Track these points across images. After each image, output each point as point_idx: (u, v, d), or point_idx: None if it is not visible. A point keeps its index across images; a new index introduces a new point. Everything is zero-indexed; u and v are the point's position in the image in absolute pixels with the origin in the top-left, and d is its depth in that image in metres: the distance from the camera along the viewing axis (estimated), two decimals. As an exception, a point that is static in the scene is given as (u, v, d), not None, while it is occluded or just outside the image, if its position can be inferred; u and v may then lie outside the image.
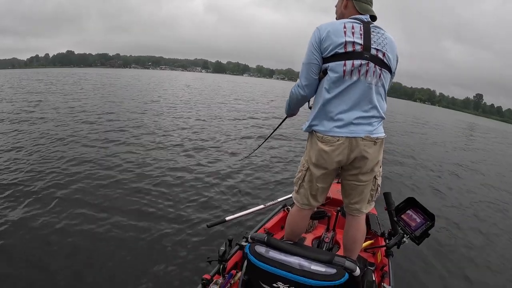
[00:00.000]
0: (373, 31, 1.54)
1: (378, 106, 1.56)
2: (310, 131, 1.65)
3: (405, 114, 28.03)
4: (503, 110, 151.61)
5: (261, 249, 1.43)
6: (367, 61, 1.50)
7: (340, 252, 2.21)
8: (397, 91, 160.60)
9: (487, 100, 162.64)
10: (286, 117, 2.18)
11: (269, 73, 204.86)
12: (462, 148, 11.76)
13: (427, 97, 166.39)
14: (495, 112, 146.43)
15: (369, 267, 1.88)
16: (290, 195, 2.80)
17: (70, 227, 2.98)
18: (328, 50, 1.52)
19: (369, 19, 1.60)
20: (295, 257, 1.39)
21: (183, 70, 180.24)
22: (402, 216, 2.01)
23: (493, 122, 68.37)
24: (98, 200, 3.58)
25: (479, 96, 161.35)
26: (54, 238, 2.80)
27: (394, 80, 1.77)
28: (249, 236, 1.58)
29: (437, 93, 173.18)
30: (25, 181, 3.96)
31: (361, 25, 1.54)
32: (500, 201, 5.41)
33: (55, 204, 3.42)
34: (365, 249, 2.27)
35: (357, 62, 1.49)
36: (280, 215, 2.56)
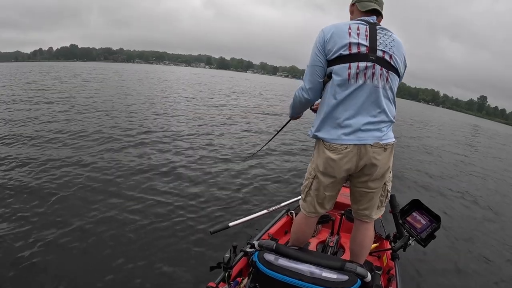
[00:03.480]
0: (379, 32, 1.50)
1: (387, 110, 1.51)
2: (317, 138, 1.61)
3: (411, 114, 27.88)
4: (507, 112, 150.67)
5: (270, 257, 1.40)
6: (373, 63, 1.45)
7: (346, 256, 2.20)
8: (401, 91, 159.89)
9: (490, 102, 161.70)
10: (289, 120, 2.16)
11: (272, 70, 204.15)
12: (467, 149, 11.70)
13: (431, 97, 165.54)
14: (498, 115, 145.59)
15: (377, 271, 1.86)
16: (294, 200, 2.82)
17: (67, 229, 2.95)
18: (332, 52, 1.48)
19: (375, 21, 1.56)
20: (306, 264, 1.36)
21: (186, 66, 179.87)
22: (407, 218, 2.00)
23: (497, 125, 67.96)
24: (93, 203, 3.53)
25: (483, 98, 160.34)
26: (55, 239, 2.80)
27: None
28: (257, 244, 1.54)
29: (441, 94, 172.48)
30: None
31: (367, 26, 1.50)
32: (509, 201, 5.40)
33: (52, 205, 3.41)
34: (371, 253, 2.24)
35: (362, 64, 1.44)
36: (284, 220, 2.54)
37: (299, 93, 1.65)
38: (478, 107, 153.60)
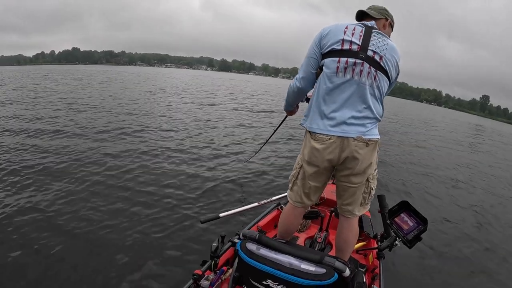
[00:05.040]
0: (374, 35, 1.57)
1: (373, 107, 1.57)
2: (306, 127, 1.69)
3: (411, 114, 27.80)
4: (510, 111, 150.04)
5: (252, 246, 1.43)
6: (362, 61, 1.53)
7: (332, 252, 2.22)
8: (403, 91, 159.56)
9: (492, 101, 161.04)
10: (286, 117, 2.26)
11: (274, 72, 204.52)
12: (464, 151, 11.64)
13: (433, 97, 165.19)
14: (501, 114, 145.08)
15: (360, 269, 1.87)
16: (284, 194, 2.83)
17: (59, 223, 2.98)
18: (326, 46, 1.58)
19: (374, 25, 1.63)
20: (286, 255, 1.39)
21: (188, 68, 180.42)
22: (395, 219, 2.00)
23: (501, 124, 67.51)
24: (86, 194, 3.60)
25: (485, 98, 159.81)
26: (45, 235, 2.80)
27: (399, 79, 1.78)
28: (241, 233, 1.58)
29: (443, 94, 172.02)
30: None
31: (363, 28, 1.58)
32: (496, 205, 5.35)
33: (45, 200, 3.44)
34: (357, 251, 2.28)
35: (351, 60, 1.53)
36: (274, 213, 2.57)
37: (293, 83, 1.77)
38: (481, 107, 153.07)
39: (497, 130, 32.97)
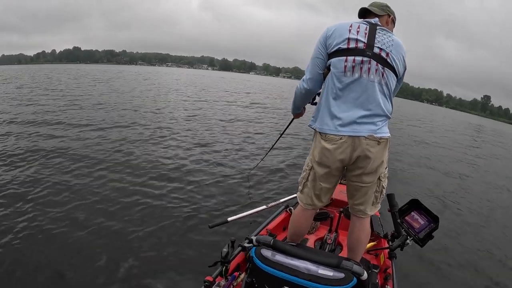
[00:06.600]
0: (379, 32, 1.56)
1: (382, 105, 1.56)
2: (315, 129, 1.67)
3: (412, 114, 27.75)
4: (511, 112, 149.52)
5: (267, 252, 1.41)
6: (369, 59, 1.52)
7: (343, 253, 2.20)
8: (404, 91, 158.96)
9: (494, 101, 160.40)
10: (293, 119, 2.23)
11: (275, 71, 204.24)
12: (469, 149, 11.62)
13: (435, 97, 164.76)
14: (502, 114, 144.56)
15: (374, 270, 1.86)
16: (293, 196, 2.82)
17: (67, 227, 2.96)
18: (332, 46, 1.57)
19: (378, 22, 1.62)
20: (302, 260, 1.37)
21: (189, 67, 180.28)
22: (406, 218, 1.99)
23: (502, 125, 67.39)
24: (95, 198, 3.58)
25: (486, 98, 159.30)
26: (54, 236, 2.81)
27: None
28: (254, 239, 1.55)
29: (444, 94, 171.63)
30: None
31: (368, 26, 1.57)
32: (508, 203, 5.33)
33: (57, 200, 3.46)
34: (368, 251, 2.26)
35: (358, 58, 1.52)
36: (283, 216, 2.54)
37: (300, 84, 1.75)
38: (482, 107, 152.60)
39: (497, 130, 32.93)
